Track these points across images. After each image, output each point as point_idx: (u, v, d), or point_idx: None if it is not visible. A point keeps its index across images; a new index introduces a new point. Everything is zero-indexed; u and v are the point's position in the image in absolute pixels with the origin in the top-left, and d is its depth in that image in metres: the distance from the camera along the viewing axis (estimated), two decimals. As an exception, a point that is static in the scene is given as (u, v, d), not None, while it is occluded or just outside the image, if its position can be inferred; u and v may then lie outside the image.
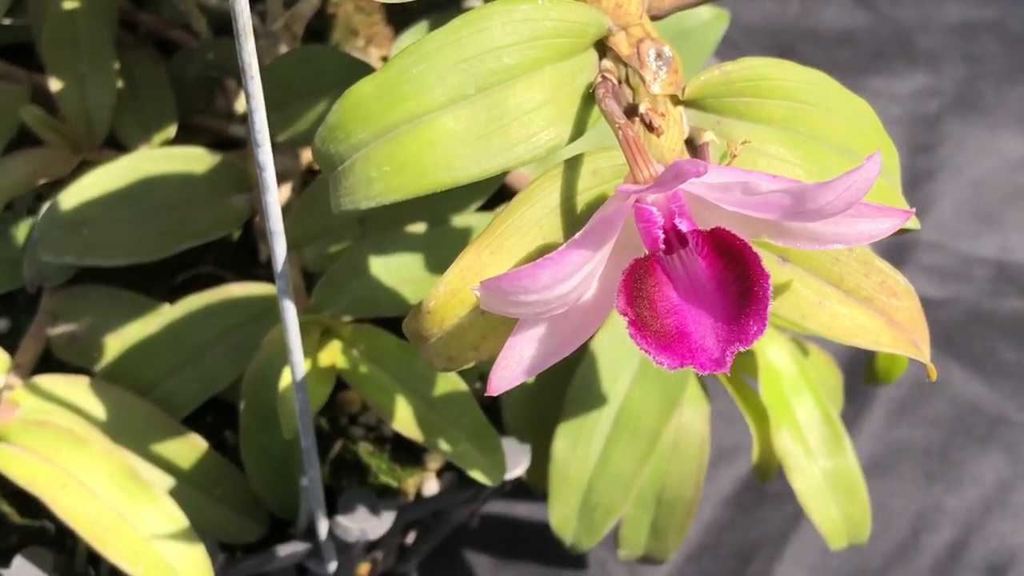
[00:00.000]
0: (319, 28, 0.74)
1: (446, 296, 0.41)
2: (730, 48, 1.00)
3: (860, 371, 0.69)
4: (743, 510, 0.82)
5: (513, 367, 0.40)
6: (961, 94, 1.01)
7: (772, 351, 0.60)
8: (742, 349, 0.36)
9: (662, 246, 0.37)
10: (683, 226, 0.37)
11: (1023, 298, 0.92)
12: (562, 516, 0.60)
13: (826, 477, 0.59)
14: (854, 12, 1.05)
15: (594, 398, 0.60)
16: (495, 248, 0.41)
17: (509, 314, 0.38)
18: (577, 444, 0.60)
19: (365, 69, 0.63)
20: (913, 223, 0.44)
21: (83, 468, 0.54)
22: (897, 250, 0.93)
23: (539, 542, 0.80)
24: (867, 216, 0.38)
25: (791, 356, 0.60)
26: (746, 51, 1.01)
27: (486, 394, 0.40)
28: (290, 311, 0.47)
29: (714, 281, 0.37)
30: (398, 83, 0.41)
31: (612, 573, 0.79)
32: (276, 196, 0.44)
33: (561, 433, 0.60)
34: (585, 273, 0.37)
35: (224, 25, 0.70)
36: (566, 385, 0.60)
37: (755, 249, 0.37)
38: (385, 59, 0.71)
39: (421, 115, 0.41)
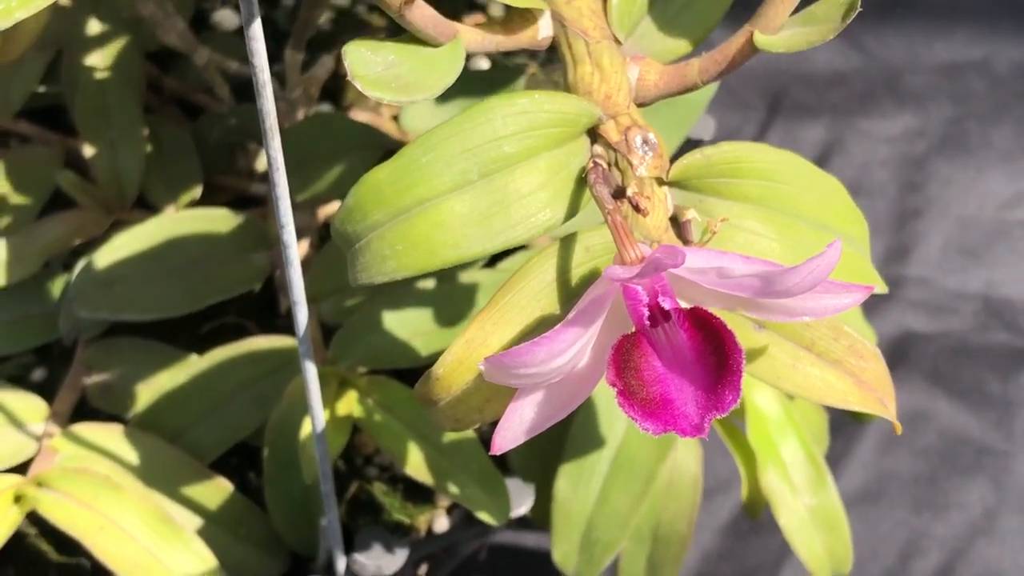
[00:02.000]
0: (333, 88, 0.78)
1: (453, 365, 0.45)
2: (726, 94, 1.05)
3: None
4: (739, 538, 0.86)
5: (514, 428, 0.44)
6: (947, 134, 1.05)
7: (759, 396, 0.64)
8: (719, 415, 0.40)
9: (647, 322, 0.41)
10: (666, 304, 0.41)
11: (1009, 332, 0.95)
12: (564, 552, 0.64)
13: (810, 513, 0.63)
14: (846, 54, 1.09)
15: (593, 441, 0.64)
16: (497, 320, 0.45)
17: (510, 384, 0.42)
18: (578, 484, 0.64)
19: (375, 134, 0.68)
20: (880, 288, 0.48)
21: (119, 512, 0.58)
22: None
23: (545, 572, 0.84)
24: (832, 292, 0.42)
25: (777, 400, 0.64)
26: (738, 94, 1.05)
27: (490, 453, 0.44)
28: (311, 371, 0.52)
29: (694, 352, 0.42)
30: (409, 170, 0.45)
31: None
32: (299, 271, 0.48)
33: (563, 474, 0.64)
34: (578, 347, 0.41)
35: (245, 90, 0.74)
36: (567, 428, 0.64)
37: (730, 323, 0.41)
38: (396, 118, 0.75)
39: (430, 199, 0.45)
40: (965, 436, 0.90)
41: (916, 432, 0.91)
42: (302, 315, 0.50)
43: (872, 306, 0.96)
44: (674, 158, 0.65)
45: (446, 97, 0.71)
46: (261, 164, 0.73)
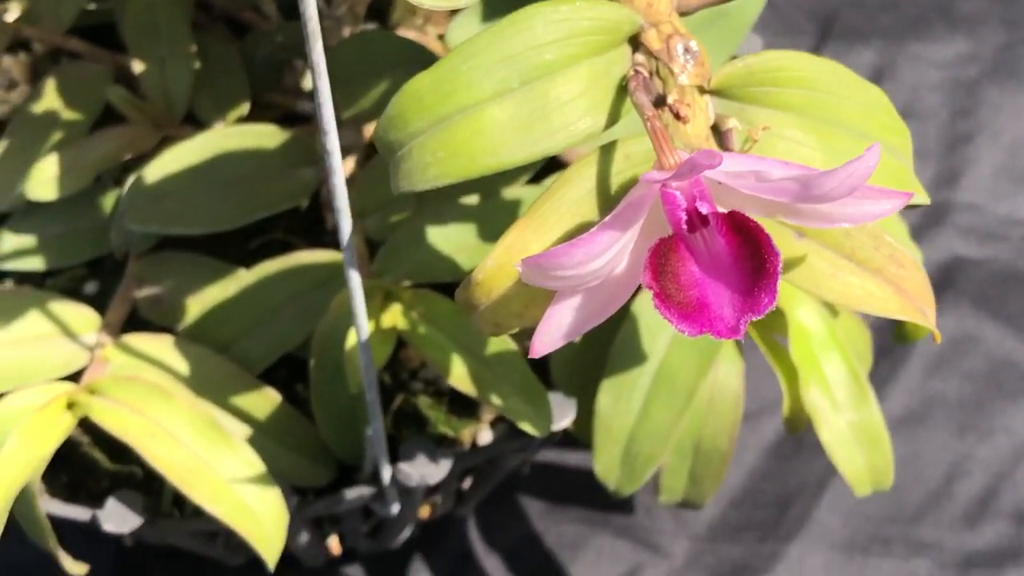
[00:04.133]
0: (379, 7, 0.79)
1: (493, 270, 0.45)
2: (775, 18, 1.04)
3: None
4: (783, 459, 0.86)
5: (553, 332, 0.44)
6: (999, 60, 1.03)
7: (802, 312, 0.64)
8: (755, 318, 0.41)
9: (685, 226, 0.42)
10: (703, 209, 0.41)
11: (1057, 257, 0.95)
12: (606, 464, 0.65)
13: (852, 429, 0.63)
14: (899, -23, 1.08)
15: (635, 356, 0.64)
16: (537, 227, 0.45)
17: (548, 287, 0.43)
18: (619, 399, 0.64)
19: (420, 51, 0.68)
20: (921, 198, 0.48)
21: (169, 419, 0.60)
22: (935, 212, 0.97)
23: (588, 489, 0.84)
24: (871, 198, 0.42)
25: (820, 317, 0.64)
26: (789, 18, 1.04)
27: (528, 356, 0.45)
28: (355, 280, 0.52)
29: (731, 257, 0.42)
30: (450, 78, 0.46)
31: (657, 517, 0.84)
32: (342, 178, 0.49)
33: (604, 389, 0.65)
34: (616, 250, 0.42)
35: (292, 8, 0.75)
36: (609, 344, 0.65)
37: (768, 229, 0.41)
38: (441, 37, 0.75)
39: (471, 106, 0.45)
40: (1012, 361, 0.90)
41: (962, 356, 0.90)
42: (346, 223, 0.50)
43: (921, 231, 0.96)
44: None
45: (492, 14, 0.71)
46: (308, 82, 0.74)
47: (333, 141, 0.48)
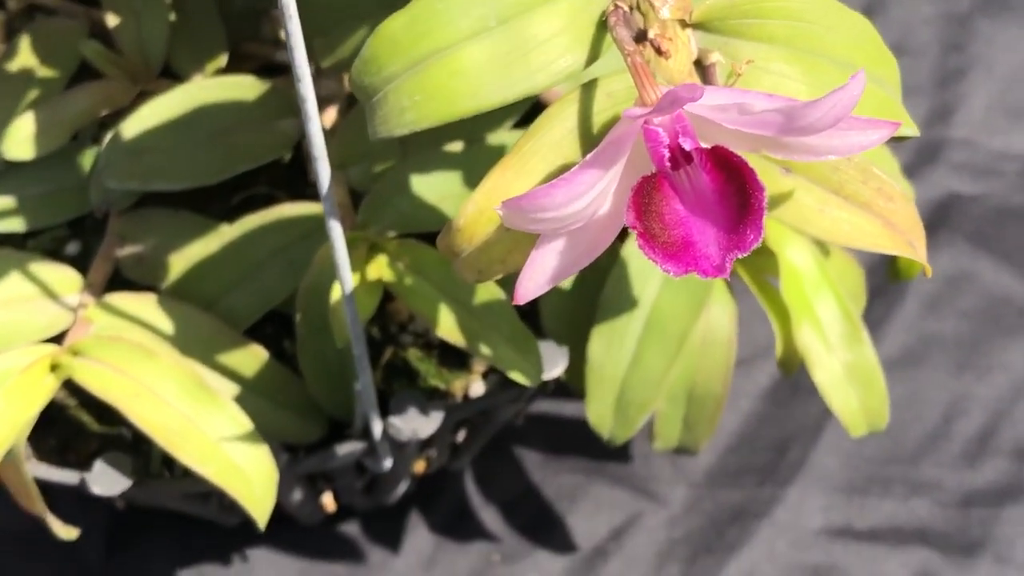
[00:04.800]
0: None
1: (474, 214, 0.45)
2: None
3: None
4: (779, 404, 0.86)
5: (537, 277, 0.44)
6: (991, -8, 1.02)
7: (793, 253, 0.63)
8: (741, 255, 0.40)
9: (668, 163, 0.41)
10: (687, 144, 0.40)
11: (1054, 192, 0.94)
12: (599, 412, 0.65)
13: (846, 369, 0.63)
14: (888, -89, 1.07)
15: (625, 302, 0.63)
16: (518, 169, 0.44)
17: (530, 230, 0.42)
18: (611, 345, 0.64)
19: (400, -5, 0.67)
20: (910, 130, 0.47)
21: (154, 378, 0.59)
22: (929, 148, 0.96)
23: (584, 439, 0.84)
24: (857, 129, 0.41)
25: (812, 257, 0.64)
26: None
27: (513, 302, 0.44)
28: (336, 230, 0.52)
29: (716, 194, 0.41)
30: (424, 18, 0.44)
31: (654, 465, 0.84)
32: (318, 125, 0.48)
33: (596, 336, 0.64)
34: (598, 190, 0.41)
35: (267, -44, 0.73)
36: (600, 291, 0.64)
37: (754, 164, 0.40)
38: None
39: (447, 47, 0.44)
40: (1008, 297, 0.89)
41: (958, 294, 0.90)
42: (324, 171, 0.49)
43: (915, 168, 0.94)
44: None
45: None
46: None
47: (307, 87, 0.47)
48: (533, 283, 0.44)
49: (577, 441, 0.84)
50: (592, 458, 0.84)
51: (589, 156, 0.40)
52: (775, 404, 0.86)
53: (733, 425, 0.85)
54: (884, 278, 0.80)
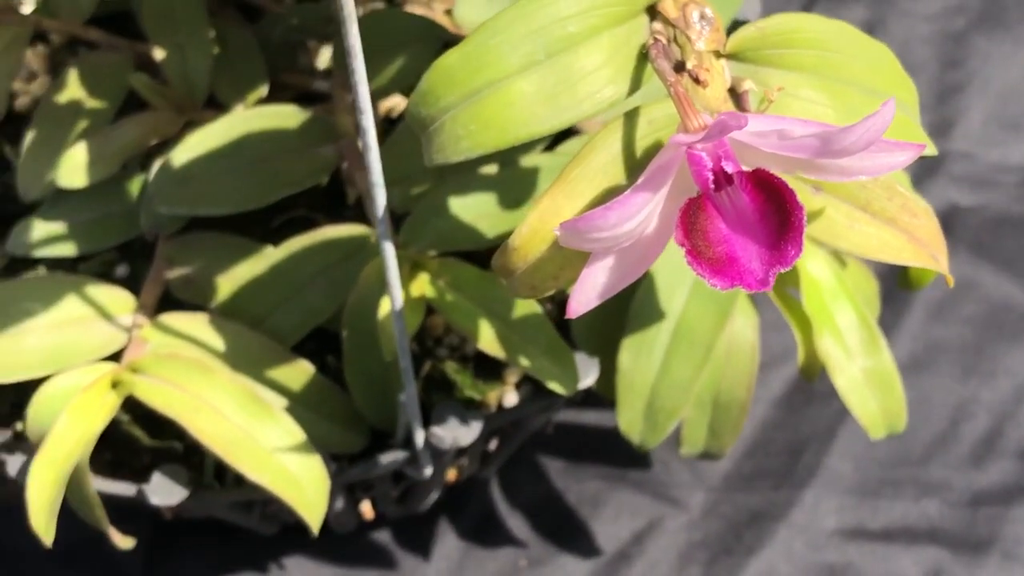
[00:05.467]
0: (387, -16, 0.81)
1: (528, 235, 0.48)
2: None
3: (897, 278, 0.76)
4: (793, 409, 0.89)
5: (588, 292, 0.47)
6: (985, 10, 1.05)
7: (813, 265, 0.66)
8: (783, 270, 0.43)
9: (712, 186, 0.44)
10: (729, 168, 0.44)
11: (1051, 202, 0.97)
12: (629, 420, 0.68)
13: (865, 374, 0.66)
14: (885, -67, 1.10)
15: (654, 314, 0.67)
16: (568, 193, 0.48)
17: (585, 249, 0.45)
18: (640, 355, 0.67)
19: (430, 26, 0.70)
20: (931, 150, 0.50)
21: (211, 393, 0.62)
22: (930, 162, 0.99)
23: (606, 447, 0.87)
24: (886, 151, 0.45)
25: (830, 268, 0.67)
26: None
27: (566, 316, 0.47)
28: (390, 249, 0.55)
29: (757, 213, 0.44)
30: (478, 54, 0.48)
31: (674, 471, 0.87)
32: (377, 153, 0.51)
33: (625, 346, 0.67)
34: (647, 212, 0.44)
35: (304, -8, 0.76)
36: (628, 303, 0.67)
37: (791, 185, 0.44)
38: (448, 12, 0.77)
39: (499, 80, 0.48)
40: (1010, 304, 0.93)
41: (962, 302, 0.93)
42: (381, 197, 0.52)
43: (917, 181, 0.98)
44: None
45: (496, -13, 0.73)
46: (322, 61, 0.76)
47: (368, 119, 0.50)
48: (585, 297, 0.47)
49: (598, 449, 0.87)
50: (613, 465, 0.87)
51: (640, 180, 0.43)
52: (789, 410, 0.89)
53: (749, 431, 0.88)
54: (892, 286, 0.84)
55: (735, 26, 0.75)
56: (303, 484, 0.61)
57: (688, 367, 0.67)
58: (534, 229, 0.48)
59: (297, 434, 0.62)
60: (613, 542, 0.85)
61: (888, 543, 0.84)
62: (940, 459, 0.87)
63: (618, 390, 0.67)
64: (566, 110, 0.48)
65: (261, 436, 0.61)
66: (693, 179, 0.44)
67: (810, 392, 0.89)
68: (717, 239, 0.44)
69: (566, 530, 0.85)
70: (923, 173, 0.99)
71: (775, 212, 0.44)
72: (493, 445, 0.77)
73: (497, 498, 0.86)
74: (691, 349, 0.66)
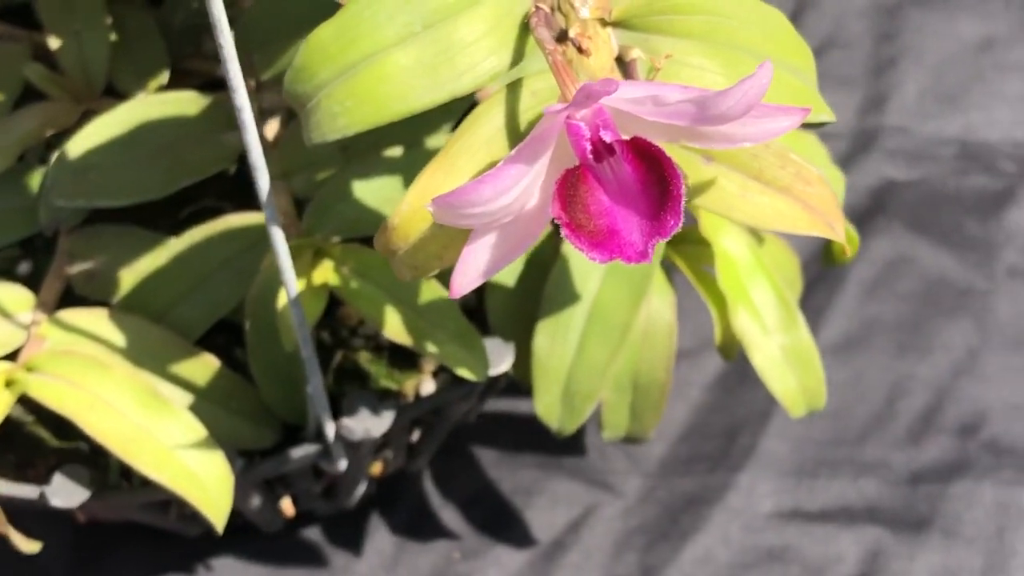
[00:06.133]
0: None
1: (408, 213, 0.46)
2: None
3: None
4: (727, 391, 0.88)
5: (470, 271, 0.45)
6: (919, -19, 1.05)
7: (728, 240, 0.65)
8: (662, 240, 0.42)
9: (590, 156, 0.42)
10: (607, 137, 0.42)
11: (987, 174, 0.96)
12: (546, 404, 0.66)
13: (783, 352, 0.64)
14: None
15: (568, 296, 0.65)
16: (448, 168, 0.46)
17: (461, 225, 0.43)
18: (555, 339, 0.65)
19: (332, 6, 0.68)
20: (826, 116, 0.49)
21: (108, 390, 0.60)
22: (864, 137, 0.98)
23: (540, 435, 0.85)
24: (769, 116, 0.43)
25: (746, 244, 0.65)
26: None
27: (449, 296, 0.45)
28: (278, 236, 0.53)
29: (639, 183, 0.43)
30: (352, 26, 0.46)
31: (609, 457, 0.85)
32: (255, 134, 0.49)
33: (540, 330, 0.65)
34: (524, 185, 0.42)
35: (205, -27, 0.74)
36: (542, 287, 0.65)
37: (675, 154, 0.42)
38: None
39: (375, 53, 0.46)
40: (947, 279, 0.91)
41: (898, 278, 0.92)
42: (263, 179, 0.51)
43: (851, 157, 0.97)
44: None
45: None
46: (227, 47, 0.74)
47: (242, 97, 0.48)
48: (467, 277, 0.45)
49: (532, 437, 0.86)
50: (548, 453, 0.86)
51: (514, 151, 0.42)
52: (724, 392, 0.88)
53: (683, 415, 0.87)
54: (820, 264, 0.82)
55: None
56: (205, 481, 0.59)
57: (604, 349, 0.65)
58: (414, 207, 0.46)
59: (198, 430, 0.60)
60: (548, 531, 0.83)
61: (826, 524, 0.82)
62: (877, 438, 0.86)
63: (534, 375, 0.66)
64: (446, 83, 0.46)
65: (160, 433, 0.60)
66: (572, 149, 0.43)
67: (744, 374, 0.87)
68: (598, 211, 0.43)
69: (501, 521, 0.84)
70: (858, 148, 0.97)
71: (656, 182, 0.42)
72: (417, 436, 0.76)
73: (430, 491, 0.84)
74: (607, 331, 0.65)
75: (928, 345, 0.89)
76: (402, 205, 0.46)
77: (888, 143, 0.97)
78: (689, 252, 0.66)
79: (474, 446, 0.86)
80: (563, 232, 0.42)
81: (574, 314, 0.65)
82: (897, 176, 0.96)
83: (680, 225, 0.41)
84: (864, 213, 0.94)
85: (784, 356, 0.64)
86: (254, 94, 0.68)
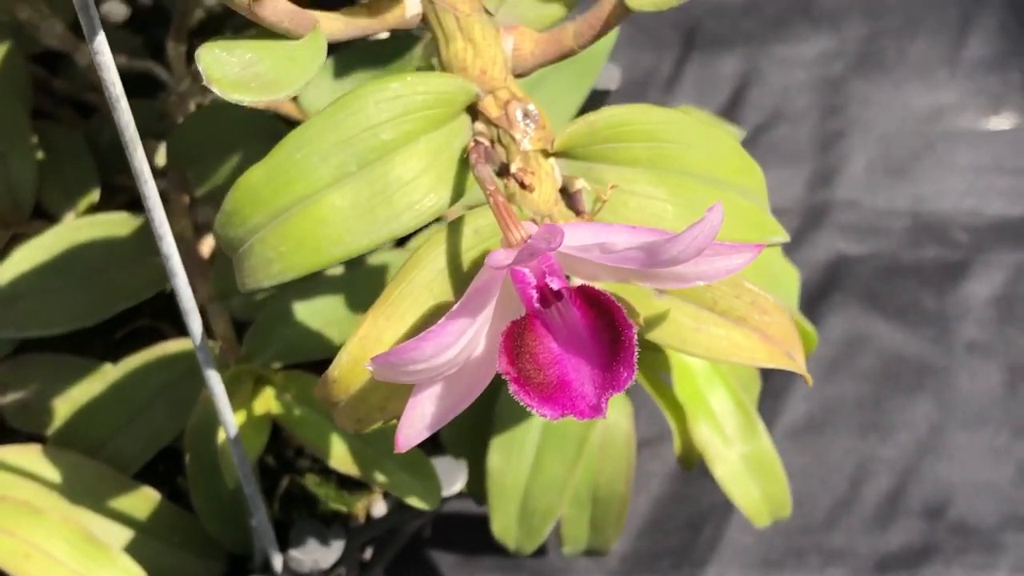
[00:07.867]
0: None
1: (349, 364, 0.44)
2: (639, 33, 1.03)
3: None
4: (689, 482, 0.86)
5: (416, 424, 0.43)
6: (863, 52, 1.03)
7: (683, 348, 0.63)
8: (615, 394, 0.40)
9: (537, 304, 0.40)
10: (554, 284, 0.40)
11: (940, 245, 0.95)
12: (503, 524, 0.64)
13: (745, 461, 0.62)
14: (757, -21, 1.08)
15: (521, 412, 0.63)
16: (390, 314, 0.44)
17: (403, 381, 0.41)
18: (510, 456, 0.63)
19: (269, 120, 0.66)
20: (780, 237, 0.47)
21: (43, 537, 0.57)
22: (815, 213, 0.97)
23: (492, 540, 0.84)
24: (722, 254, 0.41)
25: (702, 350, 0.63)
26: (652, 31, 1.04)
27: (395, 451, 0.43)
28: (215, 379, 0.50)
29: (588, 330, 0.41)
30: (284, 168, 0.44)
31: (571, 556, 0.83)
32: (185, 280, 0.47)
33: (494, 447, 0.63)
34: (469, 337, 0.40)
35: (137, 85, 0.72)
36: (495, 401, 0.63)
37: (619, 300, 0.40)
38: (295, 98, 0.73)
39: (309, 196, 0.44)
40: (905, 355, 0.90)
41: (856, 356, 0.90)
42: (195, 324, 0.48)
43: (803, 233, 0.95)
44: (582, 111, 0.64)
45: (345, 70, 0.70)
46: (159, 159, 0.72)
47: (169, 245, 0.46)
48: (413, 430, 0.43)
49: (491, 539, 0.83)
50: (508, 555, 0.83)
51: (456, 306, 0.39)
52: (685, 483, 0.86)
53: (645, 507, 0.85)
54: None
55: (594, 97, 0.73)
56: (146, 628, 0.57)
57: (561, 464, 0.63)
58: (355, 358, 0.44)
59: (137, 574, 0.57)
60: (511, 636, 0.81)
61: (795, 616, 0.81)
62: (843, 523, 0.84)
63: (489, 494, 0.64)
64: (384, 224, 0.44)
65: (99, 580, 0.57)
66: (518, 296, 0.41)
67: (705, 465, 0.85)
68: (548, 361, 0.41)
69: (462, 626, 0.81)
70: (809, 224, 0.96)
71: (606, 328, 0.40)
72: (368, 555, 0.73)
73: (387, 600, 0.82)
74: (563, 446, 0.63)
75: (890, 424, 0.88)
76: (342, 356, 0.44)
77: (839, 217, 0.96)
78: (645, 359, 0.64)
79: (431, 551, 0.83)
80: (511, 388, 0.40)
81: (528, 429, 0.63)
82: (850, 251, 0.95)
83: (633, 378, 0.39)
84: (818, 290, 0.92)
85: (746, 466, 0.62)
86: (187, 211, 0.66)
